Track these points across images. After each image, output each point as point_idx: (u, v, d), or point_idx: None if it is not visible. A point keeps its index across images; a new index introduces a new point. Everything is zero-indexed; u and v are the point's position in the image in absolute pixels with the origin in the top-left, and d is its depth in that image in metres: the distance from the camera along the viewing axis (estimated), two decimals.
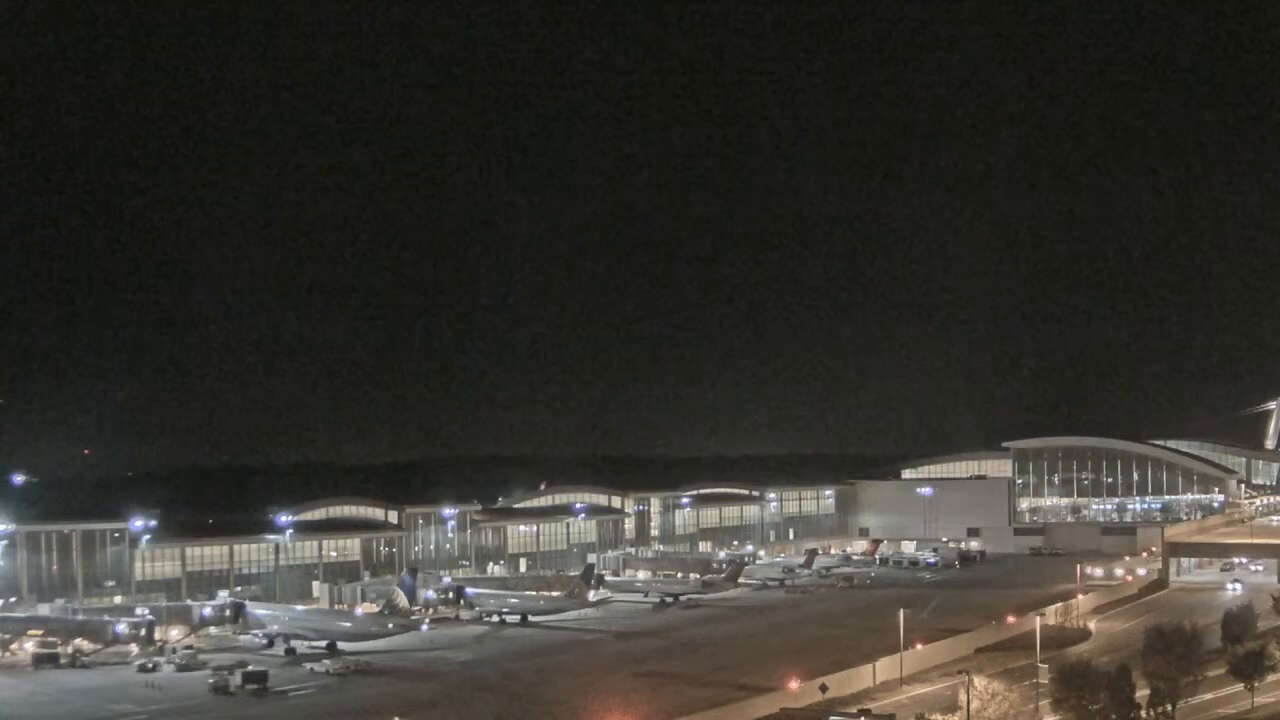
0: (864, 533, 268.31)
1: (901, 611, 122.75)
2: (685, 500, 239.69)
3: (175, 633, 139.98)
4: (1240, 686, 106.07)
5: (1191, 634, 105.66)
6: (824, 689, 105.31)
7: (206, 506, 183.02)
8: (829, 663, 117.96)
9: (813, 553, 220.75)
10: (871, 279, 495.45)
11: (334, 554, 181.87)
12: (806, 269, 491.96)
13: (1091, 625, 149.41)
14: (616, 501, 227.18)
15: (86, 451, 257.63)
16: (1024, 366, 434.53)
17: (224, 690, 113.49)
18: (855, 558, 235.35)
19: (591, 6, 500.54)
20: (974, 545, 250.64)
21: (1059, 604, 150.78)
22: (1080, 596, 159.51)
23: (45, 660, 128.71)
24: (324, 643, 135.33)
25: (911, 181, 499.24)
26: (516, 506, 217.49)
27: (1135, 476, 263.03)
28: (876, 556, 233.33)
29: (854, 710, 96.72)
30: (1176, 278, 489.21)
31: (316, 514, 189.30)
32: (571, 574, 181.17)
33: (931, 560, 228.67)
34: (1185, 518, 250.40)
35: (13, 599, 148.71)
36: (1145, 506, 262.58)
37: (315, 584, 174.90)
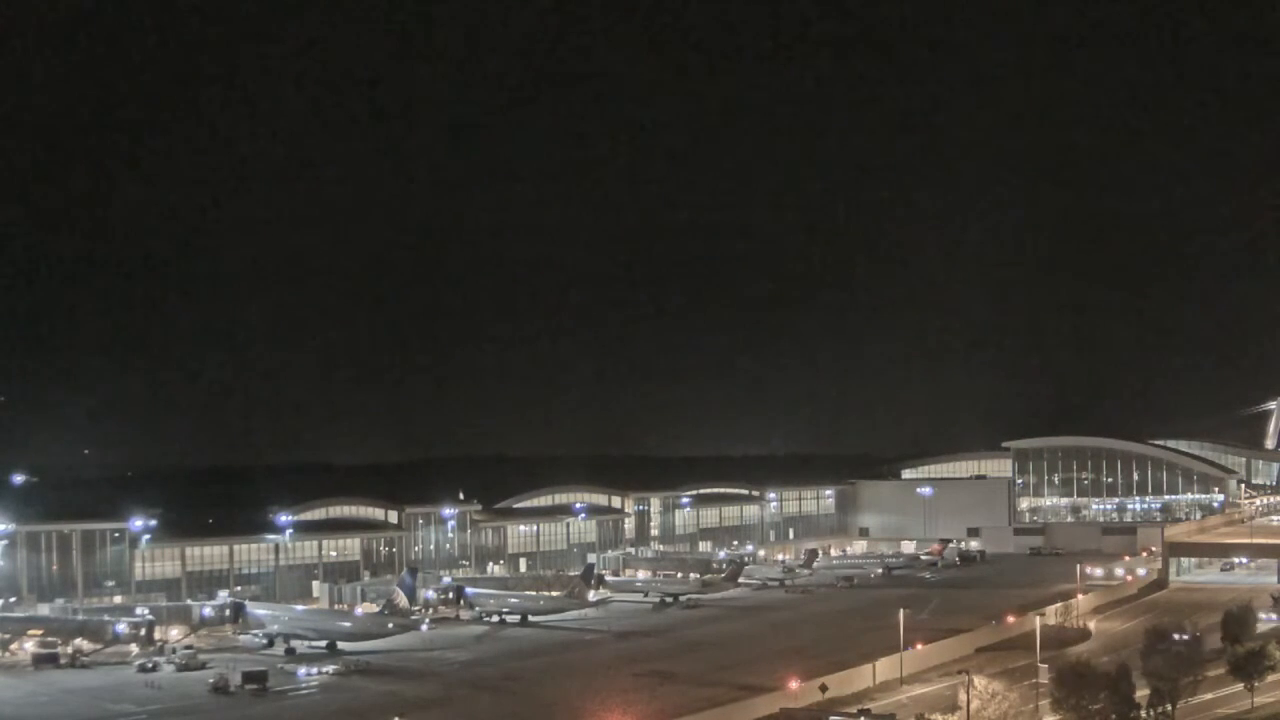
0: (864, 533, 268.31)
1: (901, 611, 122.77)
2: (685, 500, 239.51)
3: (175, 633, 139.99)
4: (1240, 686, 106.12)
5: (1191, 634, 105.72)
6: (824, 689, 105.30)
7: (206, 506, 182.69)
8: (829, 663, 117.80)
9: (812, 553, 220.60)
10: (872, 278, 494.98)
11: (334, 554, 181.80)
12: (807, 269, 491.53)
13: (1091, 625, 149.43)
14: (616, 501, 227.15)
15: (86, 451, 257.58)
16: (1024, 366, 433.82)
17: (224, 690, 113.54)
18: (924, 557, 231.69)
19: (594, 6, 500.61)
20: (974, 545, 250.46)
21: (1059, 604, 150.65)
22: (1080, 596, 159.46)
23: (45, 660, 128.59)
24: (324, 643, 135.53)
25: (912, 180, 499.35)
26: (516, 506, 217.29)
27: (1135, 476, 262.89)
28: (941, 557, 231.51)
29: (854, 710, 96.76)
30: (1176, 277, 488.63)
31: (316, 514, 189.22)
32: (571, 574, 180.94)
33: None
34: (1185, 518, 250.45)
35: (13, 599, 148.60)
36: (1145, 506, 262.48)
37: (315, 584, 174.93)
